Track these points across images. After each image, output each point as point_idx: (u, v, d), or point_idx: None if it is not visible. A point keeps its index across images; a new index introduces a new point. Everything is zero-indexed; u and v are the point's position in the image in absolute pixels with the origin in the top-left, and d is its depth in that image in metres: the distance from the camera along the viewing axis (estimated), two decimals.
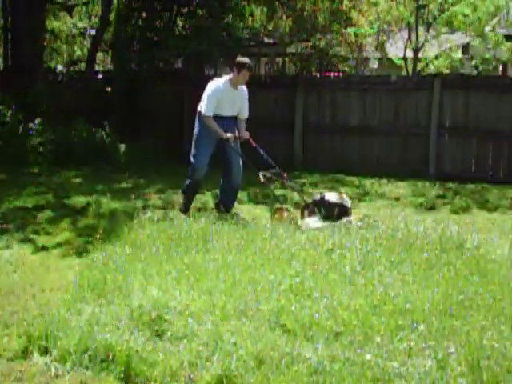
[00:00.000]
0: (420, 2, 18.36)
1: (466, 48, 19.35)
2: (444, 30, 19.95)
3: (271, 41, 22.88)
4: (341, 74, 20.88)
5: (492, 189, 14.34)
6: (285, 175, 10.92)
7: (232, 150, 10.55)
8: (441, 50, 19.99)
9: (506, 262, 7.37)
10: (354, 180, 14.72)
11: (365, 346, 5.20)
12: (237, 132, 10.75)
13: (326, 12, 20.28)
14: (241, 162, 10.68)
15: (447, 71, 22.90)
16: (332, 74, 20.42)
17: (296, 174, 15.48)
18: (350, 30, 20.16)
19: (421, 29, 19.17)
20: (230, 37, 17.92)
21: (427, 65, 21.31)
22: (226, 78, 10.73)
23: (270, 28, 22.03)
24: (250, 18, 21.10)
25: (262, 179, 10.60)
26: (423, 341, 5.27)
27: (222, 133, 10.44)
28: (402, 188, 14.17)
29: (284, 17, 21.40)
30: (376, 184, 14.40)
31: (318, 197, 10.38)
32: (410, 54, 19.24)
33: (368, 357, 5.01)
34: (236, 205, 11.26)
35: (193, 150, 10.78)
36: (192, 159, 10.76)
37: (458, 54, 21.42)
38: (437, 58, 20.72)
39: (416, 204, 12.30)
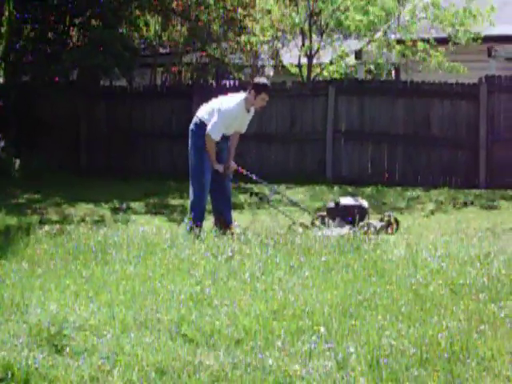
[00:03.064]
0: (312, 9, 18.54)
1: (359, 53, 19.62)
2: (338, 36, 20.24)
3: (167, 50, 22.83)
4: (237, 82, 20.97)
5: (388, 190, 14.63)
6: (285, 193, 10.43)
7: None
8: (335, 56, 20.25)
9: (403, 261, 7.52)
10: (253, 187, 14.77)
11: (266, 351, 5.22)
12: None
13: (221, 21, 20.35)
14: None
15: (341, 77, 23.25)
16: (228, 83, 20.49)
17: None
18: (245, 38, 20.24)
19: (314, 36, 19.40)
20: (126, 48, 17.81)
21: (322, 71, 21.59)
22: (241, 96, 9.70)
23: (165, 38, 21.95)
24: (145, 28, 20.99)
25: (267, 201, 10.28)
26: (324, 342, 5.32)
27: (215, 163, 9.63)
28: (301, 193, 14.33)
29: (179, 26, 21.37)
30: None
31: (331, 204, 9.90)
32: (304, 60, 19.41)
33: (269, 361, 5.03)
34: (133, 216, 11.14)
35: (194, 167, 9.75)
36: (193, 181, 9.73)
37: (352, 60, 21.71)
38: (331, 63, 20.98)
39: (314, 208, 12.44)
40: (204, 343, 5.42)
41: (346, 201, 9.96)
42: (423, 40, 17.90)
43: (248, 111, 9.78)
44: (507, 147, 15.76)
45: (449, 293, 6.49)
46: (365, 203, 10.00)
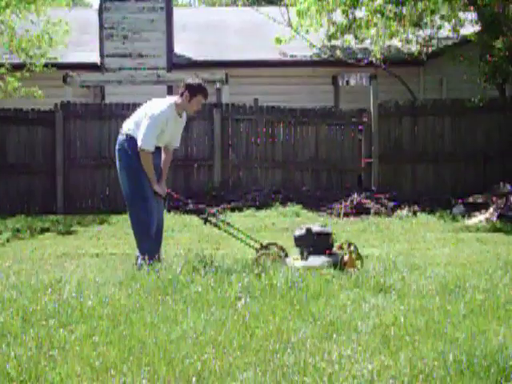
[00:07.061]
0: None
1: None
2: None
3: None
4: None
5: None
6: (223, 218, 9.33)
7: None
8: None
9: None
10: None
11: None
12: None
13: None
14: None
15: None
16: None
17: None
18: None
19: None
20: None
21: None
22: (169, 101, 8.37)
23: None
24: None
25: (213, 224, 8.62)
26: None
27: (156, 183, 8.24)
28: None
29: None
30: None
31: (301, 231, 8.36)
32: None
33: None
34: None
35: (133, 194, 8.25)
36: (135, 213, 8.29)
37: None
38: None
39: None
40: None
41: (316, 227, 8.50)
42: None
43: (180, 116, 8.49)
44: (84, 172, 16.19)
45: (20, 321, 6.46)
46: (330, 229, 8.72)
